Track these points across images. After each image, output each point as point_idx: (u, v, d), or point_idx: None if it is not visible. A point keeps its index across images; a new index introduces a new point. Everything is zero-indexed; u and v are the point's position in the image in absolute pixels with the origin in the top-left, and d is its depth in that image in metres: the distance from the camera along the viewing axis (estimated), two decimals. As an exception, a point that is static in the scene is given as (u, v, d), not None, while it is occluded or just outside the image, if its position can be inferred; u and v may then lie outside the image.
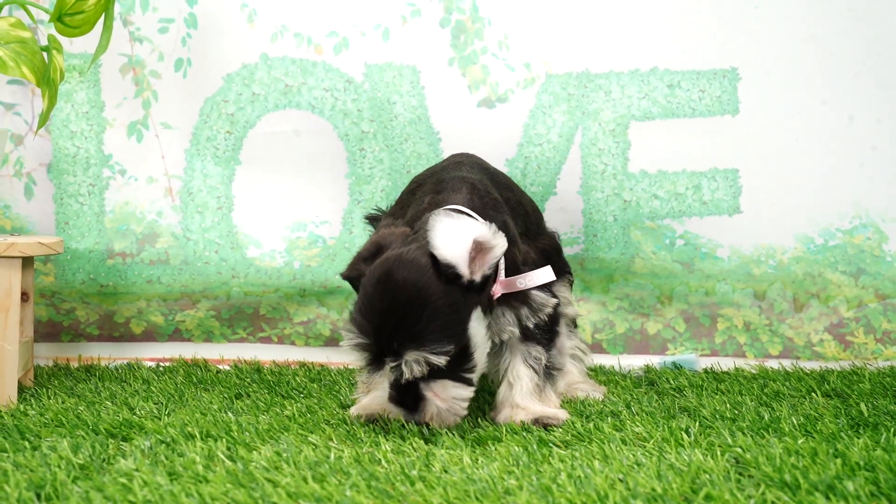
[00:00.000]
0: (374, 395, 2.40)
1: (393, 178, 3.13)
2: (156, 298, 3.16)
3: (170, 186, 3.14)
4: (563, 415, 2.38)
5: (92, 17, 2.59)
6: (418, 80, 3.10)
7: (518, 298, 2.39)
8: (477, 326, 2.22)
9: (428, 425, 2.24)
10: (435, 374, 2.17)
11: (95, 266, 3.13)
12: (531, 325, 2.40)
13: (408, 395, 2.20)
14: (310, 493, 1.78)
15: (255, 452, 2.06)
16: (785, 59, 3.08)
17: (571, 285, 2.84)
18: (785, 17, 3.08)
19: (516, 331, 2.40)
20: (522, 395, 2.40)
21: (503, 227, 2.28)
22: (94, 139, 3.12)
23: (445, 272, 2.12)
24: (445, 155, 3.08)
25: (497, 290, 2.33)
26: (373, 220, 2.69)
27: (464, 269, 2.13)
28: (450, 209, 2.34)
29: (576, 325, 2.82)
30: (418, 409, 2.22)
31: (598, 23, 3.10)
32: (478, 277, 2.16)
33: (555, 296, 2.47)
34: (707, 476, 1.85)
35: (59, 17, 2.66)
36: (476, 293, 2.19)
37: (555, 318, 2.48)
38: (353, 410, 2.41)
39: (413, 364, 2.13)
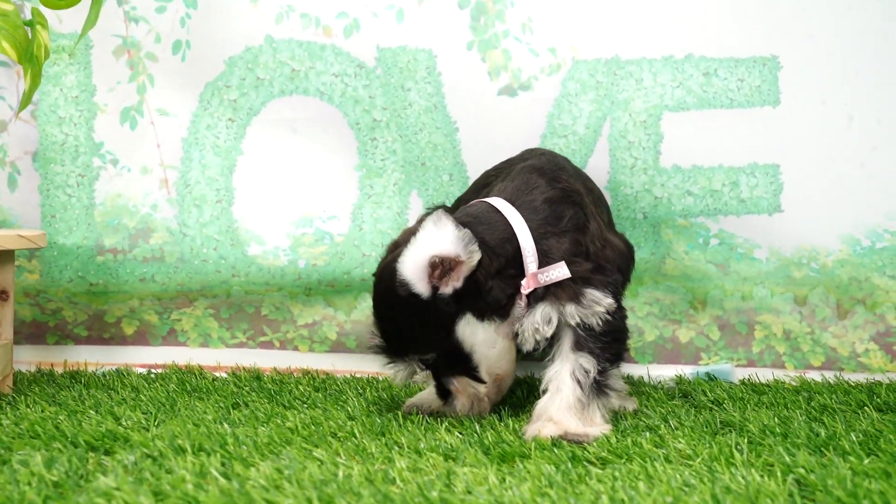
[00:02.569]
0: (428, 390, 2.44)
1: (406, 171, 2.90)
2: (149, 297, 2.94)
3: (165, 178, 2.91)
4: (594, 432, 2.15)
5: (79, -11, 2.37)
6: (435, 66, 2.88)
7: (566, 293, 2.22)
8: (471, 330, 2.23)
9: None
10: (453, 371, 2.29)
11: (84, 263, 2.90)
12: (580, 329, 2.23)
13: (443, 389, 2.33)
14: (315, 517, 1.55)
15: (252, 469, 1.83)
16: (830, 48, 2.84)
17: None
18: (830, 2, 2.84)
19: (548, 329, 2.21)
20: (559, 409, 2.18)
21: (557, 216, 2.30)
22: (84, 126, 2.90)
23: (400, 288, 2.17)
24: (463, 146, 2.88)
25: (527, 285, 2.24)
26: None
27: (420, 287, 2.16)
28: (474, 204, 2.35)
29: None
30: (449, 401, 2.33)
31: (630, 5, 2.87)
32: (448, 290, 2.17)
33: (618, 300, 2.30)
34: (769, 501, 1.62)
35: (44, -11, 2.44)
36: (455, 302, 2.19)
37: (617, 327, 2.29)
38: (406, 404, 2.46)
39: (406, 367, 2.27)
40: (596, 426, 2.18)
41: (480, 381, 2.29)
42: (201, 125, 2.91)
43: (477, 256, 2.17)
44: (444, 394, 2.33)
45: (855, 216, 2.86)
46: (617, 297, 2.31)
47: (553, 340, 2.27)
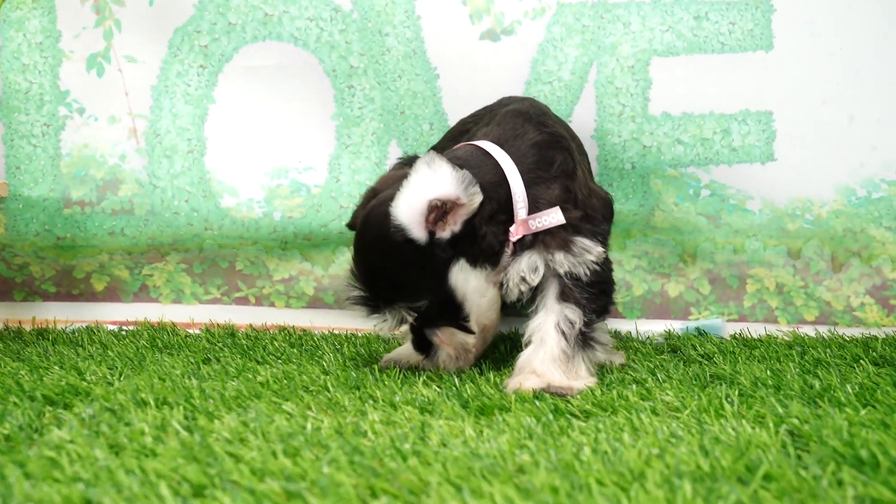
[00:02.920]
0: (406, 346, 2.33)
1: (385, 120, 2.79)
2: (119, 252, 2.83)
3: (134, 127, 2.80)
4: (578, 384, 2.06)
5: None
6: (413, 9, 2.76)
7: (556, 241, 2.14)
8: (464, 277, 2.12)
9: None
10: (440, 321, 2.16)
11: (51, 216, 2.80)
12: (567, 278, 2.14)
13: (423, 342, 2.21)
14: (278, 469, 1.46)
15: (217, 422, 1.74)
16: (825, -12, 2.74)
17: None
18: (825, -58, 2.74)
19: (534, 278, 2.11)
20: (543, 361, 2.09)
21: (547, 161, 2.21)
22: (49, 73, 2.79)
23: (395, 234, 2.05)
24: (444, 93, 2.77)
25: (516, 232, 2.13)
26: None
27: (416, 232, 2.05)
28: (463, 146, 2.24)
29: None
30: (430, 355, 2.21)
31: (617, -54, 2.75)
32: (446, 235, 2.07)
33: (606, 250, 2.23)
34: (760, 452, 1.53)
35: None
36: (451, 247, 2.09)
37: (604, 278, 2.21)
38: (383, 359, 2.35)
39: (393, 317, 2.13)
40: (581, 379, 2.09)
41: (469, 331, 2.18)
42: (171, 72, 2.80)
43: (478, 199, 2.06)
44: (425, 347, 2.22)
45: (850, 165, 2.75)
46: (605, 246, 2.23)
47: (536, 292, 2.17)
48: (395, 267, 2.09)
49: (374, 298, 2.12)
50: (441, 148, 2.39)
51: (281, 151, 2.82)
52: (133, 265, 2.86)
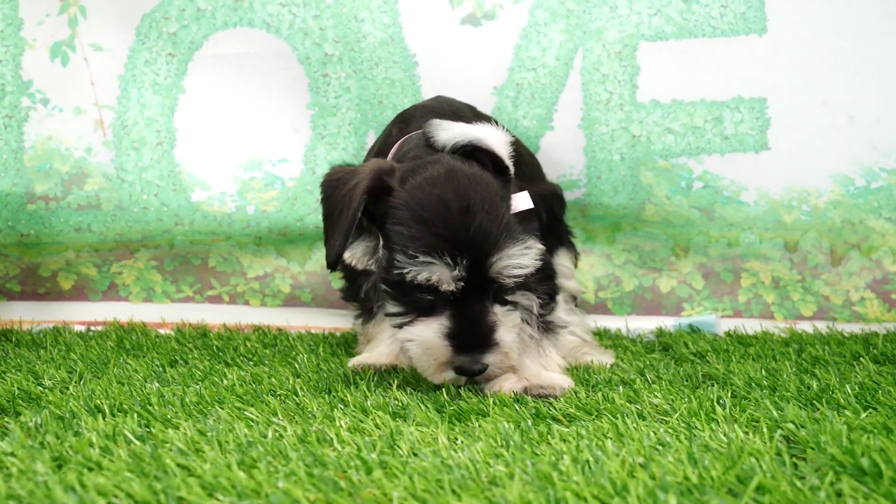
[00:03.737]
0: (379, 349, 2.17)
1: (362, 110, 2.67)
2: (86, 249, 2.72)
3: (101, 118, 2.70)
4: (563, 382, 1.94)
5: None
6: (391, -7, 2.65)
7: None
8: None
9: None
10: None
11: (14, 212, 2.69)
12: None
13: (479, 333, 1.86)
14: (230, 484, 1.34)
15: (172, 430, 1.62)
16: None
17: (577, 258, 2.41)
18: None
19: None
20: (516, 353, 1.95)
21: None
22: (11, 63, 2.68)
23: (499, 167, 1.89)
24: (423, 81, 2.67)
25: None
26: None
27: (509, 163, 1.91)
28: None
29: (577, 303, 2.39)
30: (489, 350, 1.86)
31: (603, -74, 2.64)
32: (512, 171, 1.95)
33: (549, 250, 2.16)
34: (753, 460, 1.41)
35: None
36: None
37: (547, 262, 2.08)
38: (352, 362, 2.15)
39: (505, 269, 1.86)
40: (553, 365, 1.98)
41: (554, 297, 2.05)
42: (139, 61, 2.68)
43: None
44: (484, 345, 1.87)
45: (849, 153, 2.65)
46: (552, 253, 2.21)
47: None
48: (505, 207, 1.90)
49: (475, 253, 1.83)
50: (379, 152, 2.23)
51: (254, 143, 2.72)
52: (101, 262, 2.74)
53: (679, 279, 2.72)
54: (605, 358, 2.27)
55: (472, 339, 1.86)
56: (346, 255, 1.92)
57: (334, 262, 1.90)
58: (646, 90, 2.65)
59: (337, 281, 2.59)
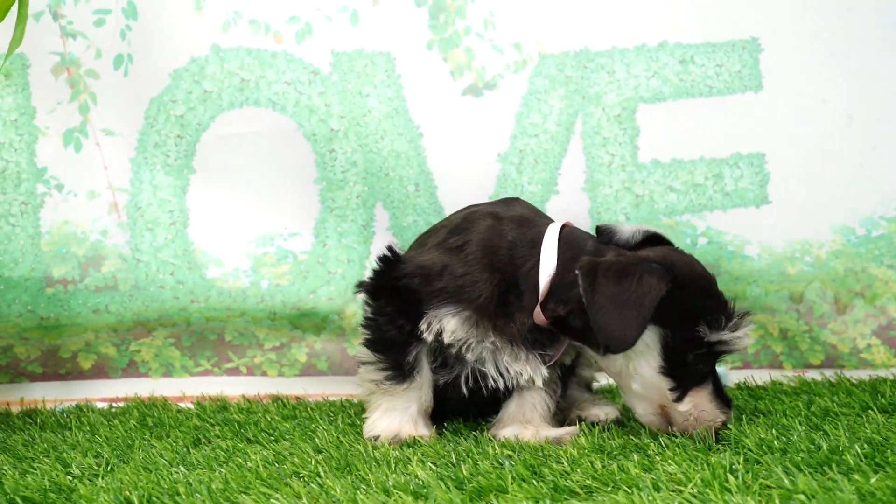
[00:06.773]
0: (399, 416, 2.23)
1: (369, 182, 2.73)
2: (105, 329, 2.77)
3: (115, 201, 2.75)
4: (572, 430, 2.16)
5: (1, 5, 2.20)
6: (394, 69, 2.72)
7: None
8: None
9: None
10: None
11: (33, 296, 2.74)
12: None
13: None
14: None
15: (201, 524, 1.67)
16: (813, 25, 2.68)
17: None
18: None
19: None
20: (536, 413, 2.22)
21: None
22: (26, 151, 2.73)
23: None
24: (428, 153, 2.73)
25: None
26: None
27: None
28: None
29: (590, 390, 2.51)
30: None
31: (598, -7, 2.71)
32: None
33: None
34: (768, 535, 1.45)
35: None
36: None
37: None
38: (372, 433, 2.23)
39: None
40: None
41: None
42: (149, 143, 2.74)
43: None
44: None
45: (848, 204, 2.70)
46: None
47: None
48: None
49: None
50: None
51: (265, 219, 2.77)
52: (119, 342, 2.80)
53: (687, 333, 2.76)
54: (609, 411, 2.36)
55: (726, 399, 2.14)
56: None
57: (629, 345, 2.04)
58: (646, 151, 2.71)
59: (354, 348, 2.66)
